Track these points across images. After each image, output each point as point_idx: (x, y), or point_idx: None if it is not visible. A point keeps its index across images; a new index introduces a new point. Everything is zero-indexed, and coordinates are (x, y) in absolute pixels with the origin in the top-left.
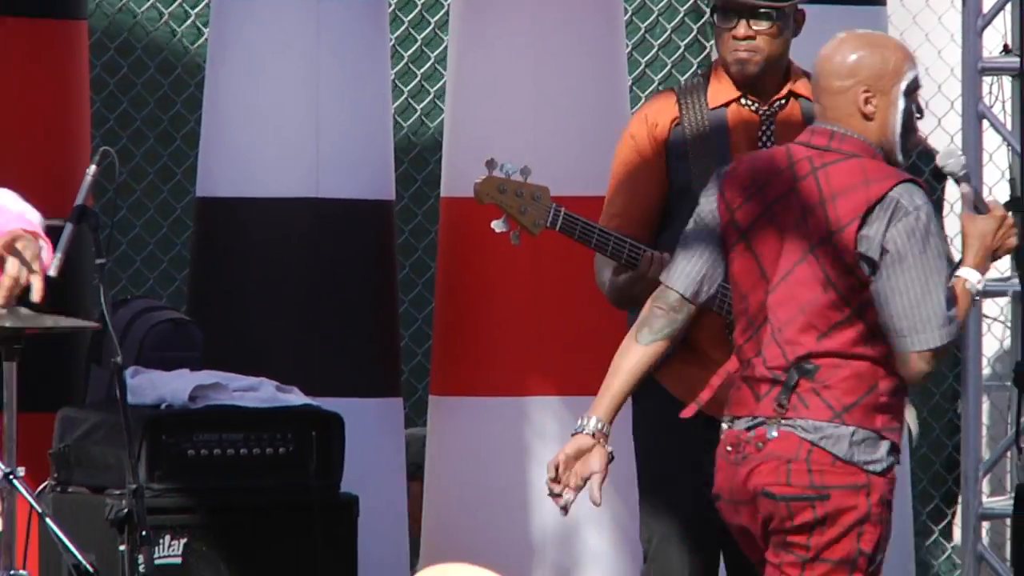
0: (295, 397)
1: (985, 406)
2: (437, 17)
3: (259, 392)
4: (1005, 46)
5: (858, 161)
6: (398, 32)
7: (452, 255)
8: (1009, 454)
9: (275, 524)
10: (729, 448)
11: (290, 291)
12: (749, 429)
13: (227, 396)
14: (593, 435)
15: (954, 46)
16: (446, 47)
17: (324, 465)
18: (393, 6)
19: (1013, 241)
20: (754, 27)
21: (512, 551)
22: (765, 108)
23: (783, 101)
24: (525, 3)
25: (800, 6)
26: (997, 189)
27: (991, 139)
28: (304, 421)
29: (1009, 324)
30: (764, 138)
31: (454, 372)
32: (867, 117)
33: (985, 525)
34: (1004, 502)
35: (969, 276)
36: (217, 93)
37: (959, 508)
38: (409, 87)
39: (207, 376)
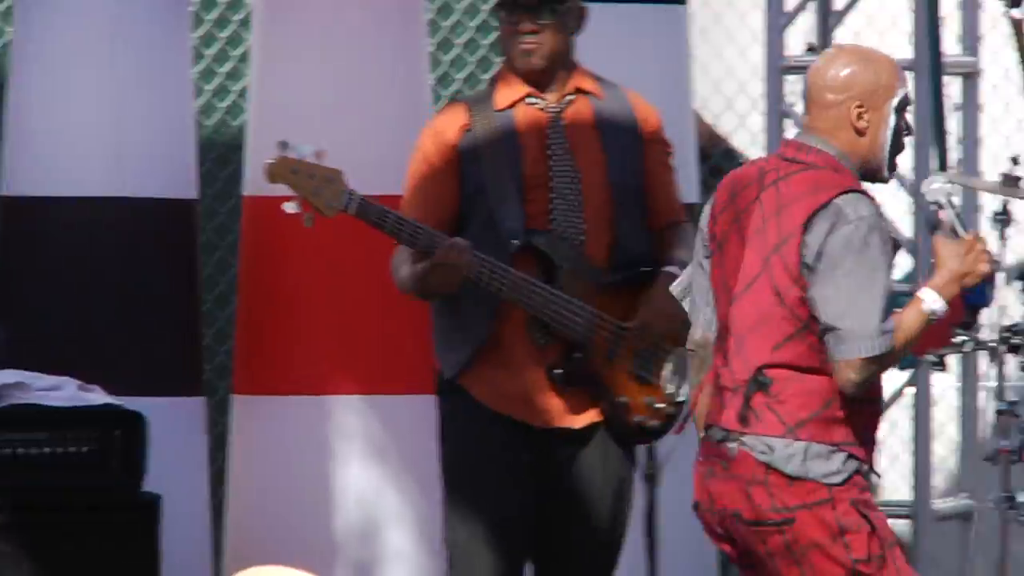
0: (97, 396)
1: None
2: (239, 16)
3: (62, 392)
4: (809, 45)
5: (815, 172)
6: (200, 31)
7: (254, 253)
8: None
9: (77, 524)
10: (701, 458)
11: (93, 290)
12: (715, 441)
13: (30, 395)
14: None
15: (757, 45)
16: (248, 46)
17: (126, 464)
18: (194, 5)
19: (984, 267)
20: (538, 22)
21: (315, 549)
22: (553, 106)
23: (570, 97)
24: (327, 3)
25: (599, 4)
26: None
27: None
28: (106, 420)
29: None
30: (553, 135)
31: (256, 371)
32: (859, 132)
33: None
34: None
35: (925, 297)
36: (20, 92)
37: None
38: (211, 86)
39: (10, 375)
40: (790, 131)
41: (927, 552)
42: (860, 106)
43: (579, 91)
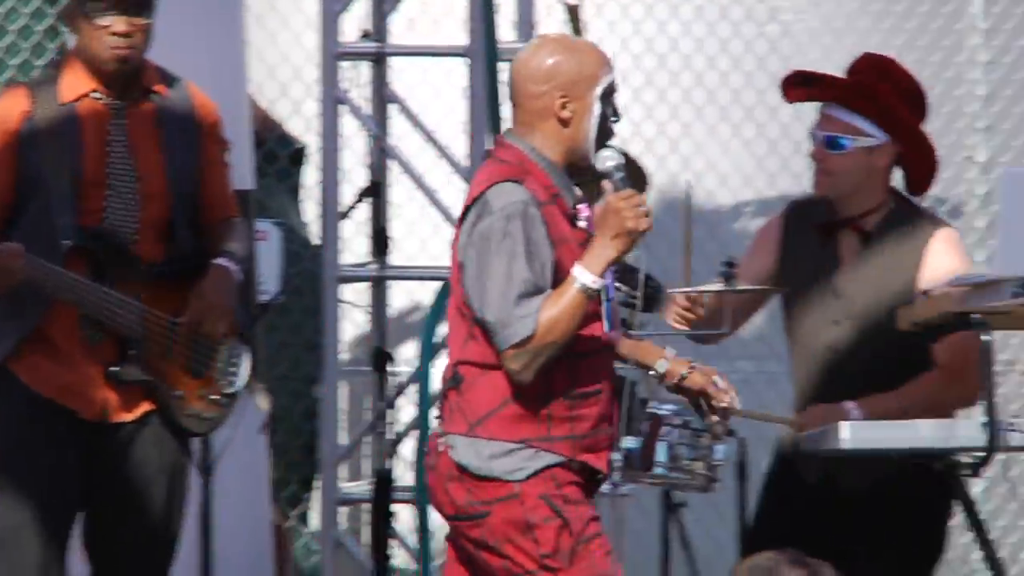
0: None
1: (343, 391)
2: None
3: None
4: (363, 31)
5: (494, 166)
6: None
7: None
8: (366, 439)
9: None
10: (430, 452)
11: None
12: (437, 438)
13: None
14: None
15: (312, 32)
16: None
17: None
18: None
19: (633, 224)
20: (134, 22)
21: None
22: (118, 103)
23: (136, 95)
24: None
25: None
26: (355, 174)
27: (349, 124)
28: None
29: (368, 309)
30: (115, 133)
31: None
32: (563, 123)
33: (343, 510)
34: (362, 487)
35: (576, 273)
36: None
37: (317, 493)
38: None
39: None
40: (345, 117)
41: None
42: (564, 96)
43: (146, 89)
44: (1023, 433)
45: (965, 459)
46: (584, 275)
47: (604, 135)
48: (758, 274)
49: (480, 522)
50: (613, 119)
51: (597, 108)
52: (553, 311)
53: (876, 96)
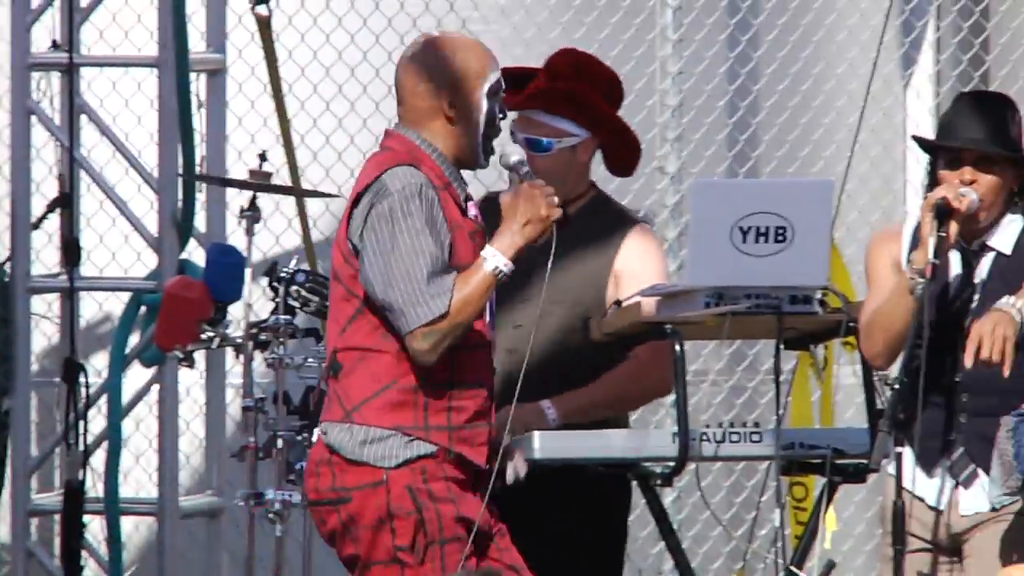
0: None
1: (33, 402)
2: None
3: None
4: (53, 42)
5: (388, 154)
6: None
7: None
8: (58, 450)
9: None
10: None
11: None
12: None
13: None
14: None
15: (2, 43)
16: None
17: None
18: None
19: (544, 211)
20: None
21: None
22: None
23: None
24: None
25: None
26: (45, 186)
27: (39, 134)
28: None
29: (58, 320)
30: None
31: None
32: (450, 120)
33: (34, 521)
34: (53, 498)
35: (487, 255)
36: None
37: (6, 504)
38: None
39: None
40: (36, 128)
41: (174, 549)
42: (450, 94)
43: None
44: (714, 443)
45: (657, 469)
46: (497, 258)
47: (492, 131)
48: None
49: (340, 508)
50: (500, 116)
51: (485, 105)
52: (465, 291)
53: (576, 99)
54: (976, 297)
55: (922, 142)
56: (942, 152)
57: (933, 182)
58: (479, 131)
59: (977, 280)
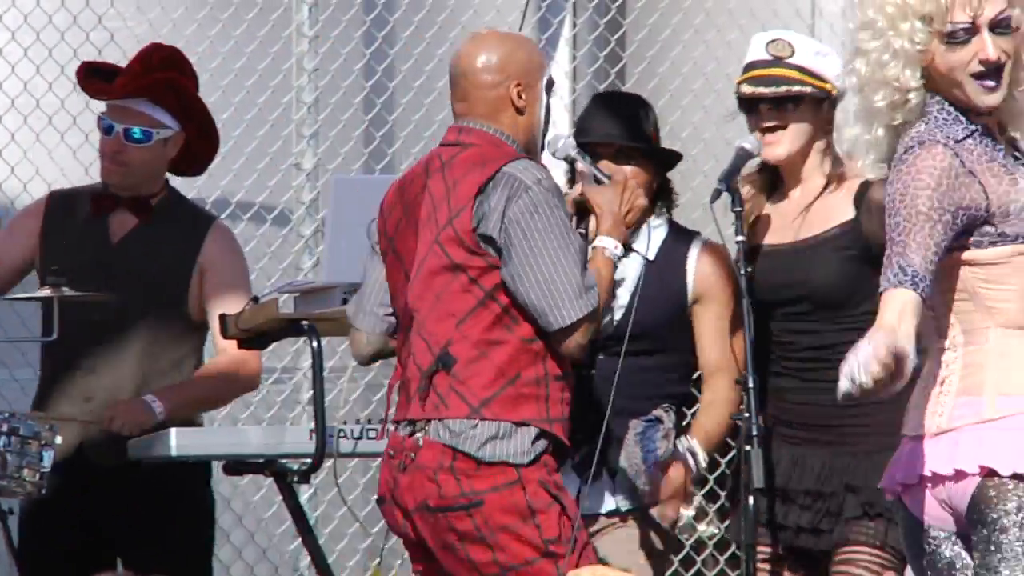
0: None
1: None
2: None
3: None
4: None
5: (476, 150)
6: None
7: None
8: None
9: None
10: (392, 453)
11: None
12: (403, 433)
13: None
14: None
15: None
16: None
17: None
18: None
19: (642, 201)
20: None
21: None
22: None
23: None
24: None
25: None
26: None
27: None
28: None
29: None
30: None
31: None
32: (519, 111)
33: None
34: None
35: (606, 244)
36: None
37: None
38: None
39: None
40: None
41: None
42: (519, 85)
43: None
44: (351, 440)
45: (294, 465)
46: (611, 244)
47: (547, 126)
48: (15, 260)
49: (473, 512)
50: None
51: (544, 97)
52: (604, 283)
53: (179, 91)
54: (626, 302)
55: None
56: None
57: (573, 179)
58: (541, 123)
59: (623, 284)
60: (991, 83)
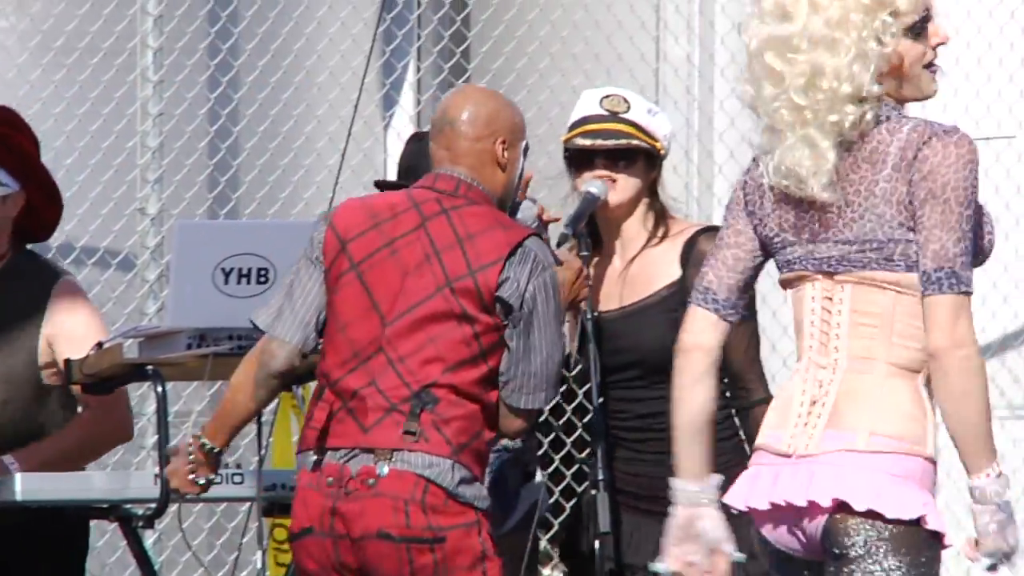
0: None
1: None
2: None
3: None
4: None
5: (487, 208)
6: None
7: None
8: None
9: None
10: (330, 480)
11: None
12: (350, 460)
13: None
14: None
15: None
16: None
17: None
18: None
19: (586, 291)
20: None
21: None
22: None
23: None
24: None
25: None
26: None
27: None
28: None
29: None
30: None
31: None
32: (501, 167)
33: None
34: None
35: None
36: None
37: None
38: None
39: None
40: None
41: None
42: (504, 141)
43: None
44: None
45: (139, 510)
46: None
47: (517, 188)
48: None
49: (436, 547)
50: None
51: (521, 159)
52: None
53: (15, 148)
54: None
55: (386, 184)
56: None
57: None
58: (516, 180)
59: None
60: (934, 69)
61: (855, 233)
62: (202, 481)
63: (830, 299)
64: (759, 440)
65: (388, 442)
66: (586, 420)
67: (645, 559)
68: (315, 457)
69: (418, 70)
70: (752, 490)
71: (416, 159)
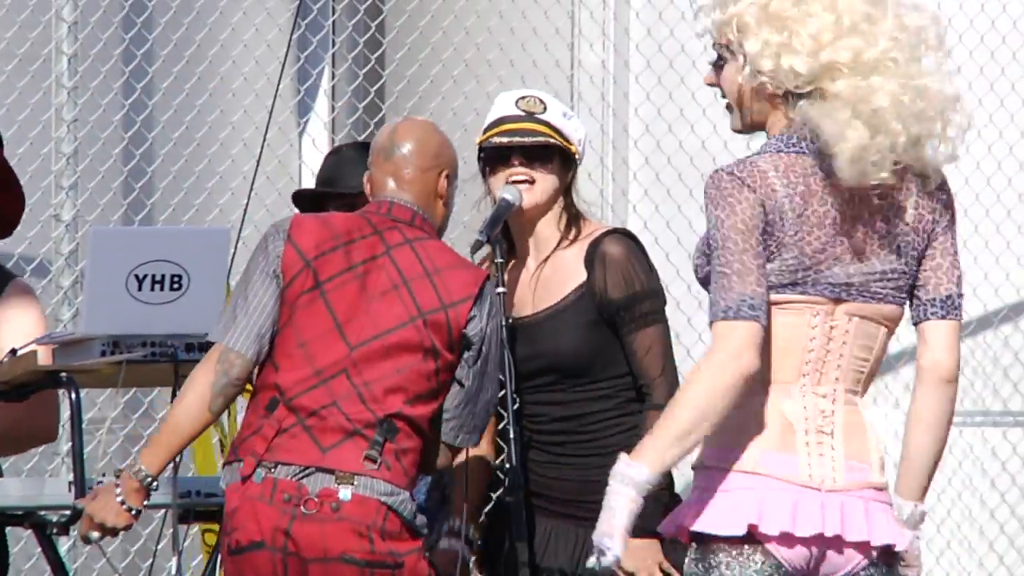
0: None
1: None
2: None
3: None
4: None
5: (441, 242)
6: None
7: None
8: None
9: None
10: (287, 497)
11: None
12: (305, 478)
13: None
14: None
15: None
16: None
17: None
18: None
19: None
20: None
21: None
22: None
23: None
24: None
25: None
26: None
27: None
28: None
29: None
30: None
31: None
32: (443, 200)
33: None
34: None
35: None
36: None
37: None
38: None
39: None
40: None
41: None
42: (447, 176)
43: None
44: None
45: (53, 517)
46: None
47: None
48: None
49: (396, 572)
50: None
51: (453, 192)
52: None
53: None
54: None
55: (305, 193)
56: (331, 202)
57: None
58: (447, 220)
59: None
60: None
61: (882, 260)
62: (136, 510)
63: (833, 328)
64: (756, 461)
65: (349, 465)
66: (500, 427)
67: (561, 563)
68: (260, 470)
69: (333, 76)
70: (778, 515)
71: (336, 171)
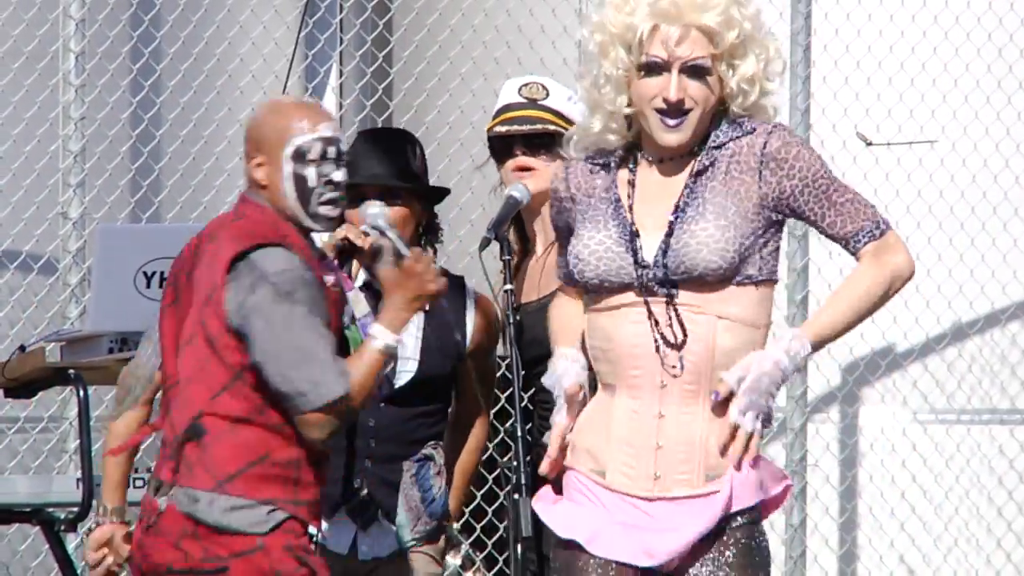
0: None
1: None
2: None
3: None
4: None
5: (243, 222)
6: None
7: None
8: None
9: None
10: (142, 515)
11: None
12: (154, 494)
13: None
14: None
15: None
16: None
17: None
18: None
19: (432, 286)
20: None
21: None
22: None
23: None
24: None
25: None
26: None
27: None
28: None
29: None
30: None
31: None
32: (259, 185)
33: None
34: None
35: (376, 334)
36: None
37: None
38: None
39: None
40: None
41: None
42: (256, 159)
43: None
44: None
45: (61, 514)
46: (386, 335)
47: (307, 196)
48: None
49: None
50: (326, 180)
51: (288, 168)
52: (362, 373)
53: None
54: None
55: None
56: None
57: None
58: (290, 195)
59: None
60: (672, 122)
61: None
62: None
63: None
64: None
65: (166, 476)
66: (508, 425)
67: None
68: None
69: (340, 74)
70: None
71: (351, 157)
